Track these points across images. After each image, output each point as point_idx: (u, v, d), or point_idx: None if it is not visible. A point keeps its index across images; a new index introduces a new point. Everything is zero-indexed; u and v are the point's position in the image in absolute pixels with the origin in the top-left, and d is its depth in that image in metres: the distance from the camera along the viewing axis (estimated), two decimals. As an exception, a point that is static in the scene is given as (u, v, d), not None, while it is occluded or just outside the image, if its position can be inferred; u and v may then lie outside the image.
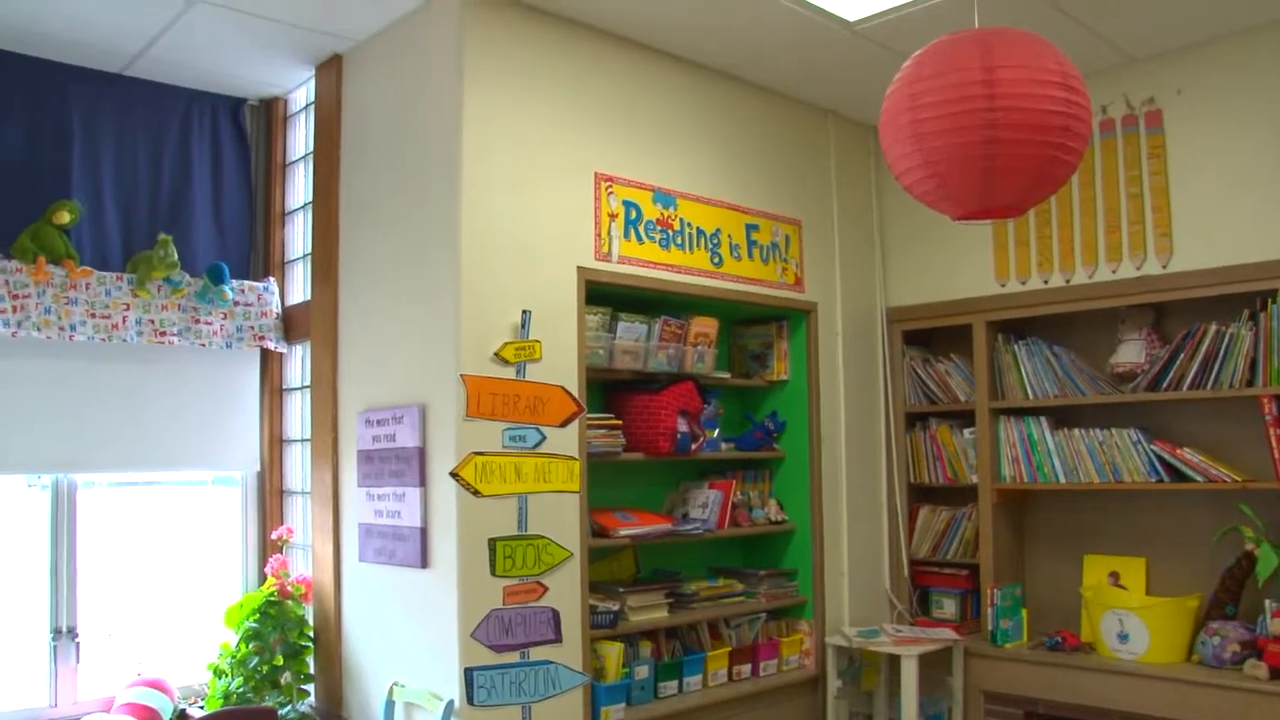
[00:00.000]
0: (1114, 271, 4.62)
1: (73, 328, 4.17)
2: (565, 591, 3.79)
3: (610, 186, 4.17)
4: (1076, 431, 4.70)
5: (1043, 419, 4.83)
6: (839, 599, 4.99)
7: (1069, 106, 2.54)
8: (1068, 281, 4.76)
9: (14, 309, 4.03)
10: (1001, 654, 4.72)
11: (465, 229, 3.71)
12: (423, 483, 3.80)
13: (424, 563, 3.78)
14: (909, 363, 5.31)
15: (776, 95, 4.93)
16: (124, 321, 4.29)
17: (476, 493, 3.29)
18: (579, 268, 4.02)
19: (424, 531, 3.79)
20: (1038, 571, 5.08)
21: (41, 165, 4.30)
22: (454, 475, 3.28)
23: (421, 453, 3.80)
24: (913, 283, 5.32)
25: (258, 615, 4.33)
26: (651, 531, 4.35)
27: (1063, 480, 4.74)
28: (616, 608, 4.14)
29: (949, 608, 5.13)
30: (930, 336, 5.39)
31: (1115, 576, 4.74)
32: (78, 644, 4.31)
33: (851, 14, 4.09)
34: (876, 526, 5.24)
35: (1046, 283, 4.82)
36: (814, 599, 4.89)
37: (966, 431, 5.07)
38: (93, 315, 4.22)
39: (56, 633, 4.29)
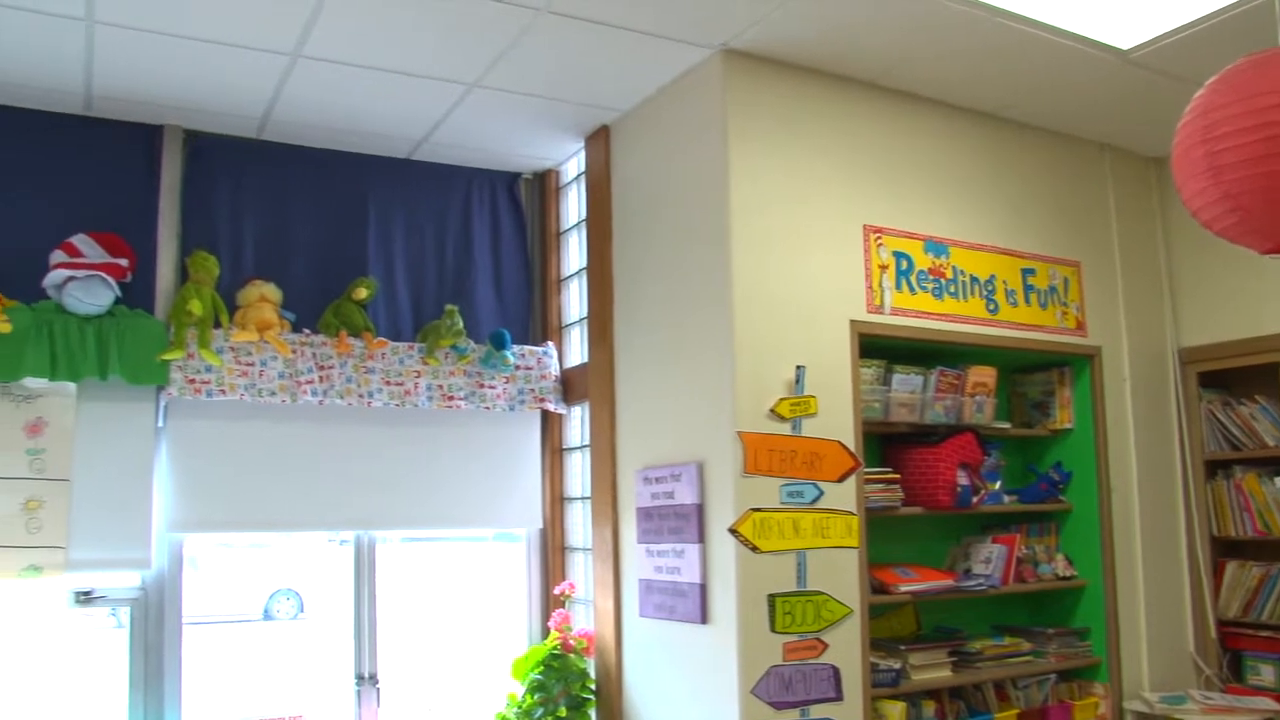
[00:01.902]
0: None
1: (370, 394, 4.48)
2: (845, 648, 3.73)
3: (879, 238, 4.13)
4: None
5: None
6: (1137, 661, 4.68)
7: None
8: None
9: (320, 379, 4.38)
10: (1330, 724, 4.30)
11: (737, 287, 3.77)
12: (701, 539, 3.84)
13: (704, 618, 3.81)
14: (1206, 406, 4.96)
15: (1046, 133, 4.77)
16: (415, 388, 4.57)
17: (755, 549, 3.29)
18: (851, 321, 4.00)
19: (703, 587, 3.82)
20: (1368, 633, 4.62)
21: (342, 247, 4.70)
22: (733, 531, 3.30)
23: (700, 509, 3.85)
24: (1208, 321, 4.97)
25: (542, 668, 4.47)
26: (933, 588, 4.23)
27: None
28: (898, 666, 4.04)
29: (1266, 674, 4.71)
30: (1229, 377, 5.01)
31: None
32: (378, 689, 4.57)
33: (1125, 42, 3.91)
34: (1176, 583, 4.90)
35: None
36: (1108, 660, 4.61)
37: (1279, 479, 4.68)
38: (388, 383, 4.52)
39: (360, 678, 4.57)
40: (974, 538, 4.73)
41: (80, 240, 4.17)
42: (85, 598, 4.19)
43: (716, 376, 3.81)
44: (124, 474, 4.19)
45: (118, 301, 4.14)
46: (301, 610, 12.91)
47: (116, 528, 4.15)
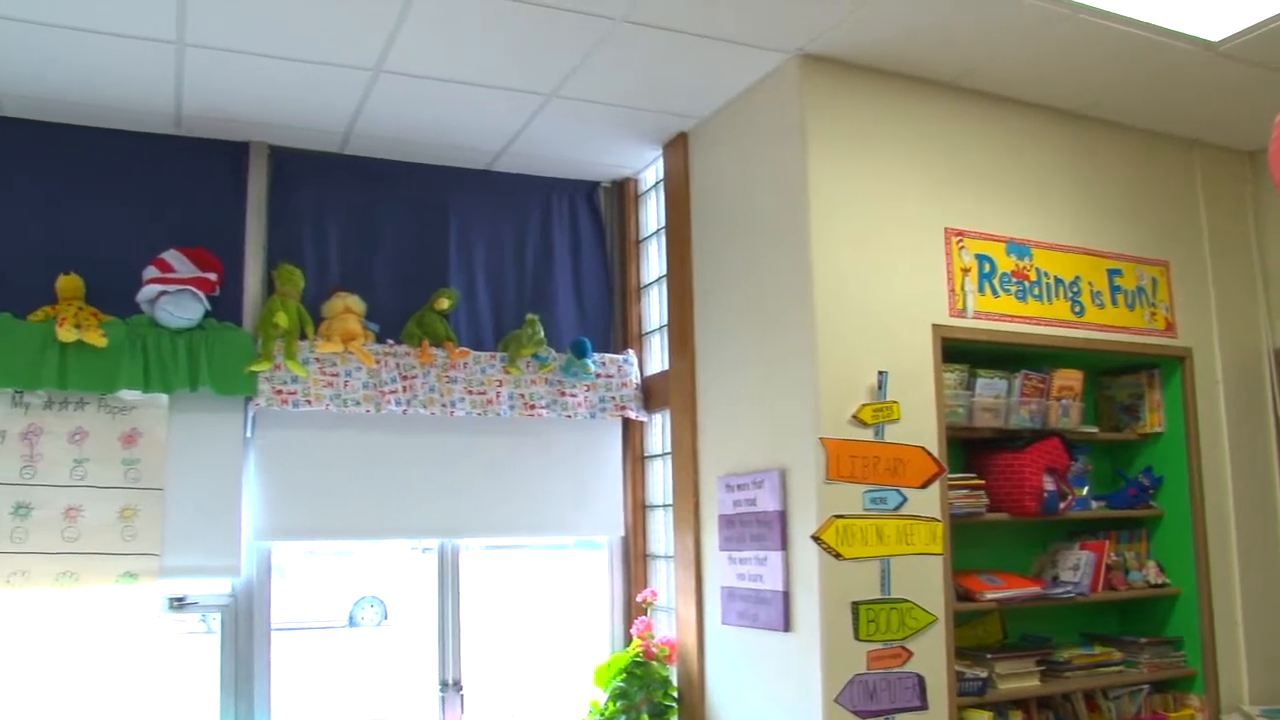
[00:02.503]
0: None
1: (453, 404, 4.53)
2: (930, 657, 3.68)
3: (961, 241, 4.08)
4: None
5: None
6: (1235, 672, 4.55)
7: None
8: None
9: (403, 389, 4.44)
10: None
11: (818, 293, 3.75)
12: (784, 546, 3.82)
13: (786, 626, 3.79)
14: (1304, 408, 4.83)
15: (1131, 130, 4.67)
16: (498, 397, 4.61)
17: (838, 556, 3.27)
18: (934, 325, 3.96)
19: (786, 595, 3.80)
20: None
21: (424, 258, 4.77)
22: (815, 539, 3.28)
23: (782, 516, 3.83)
24: (1308, 319, 4.84)
25: (624, 675, 4.47)
26: (1020, 595, 4.16)
27: None
28: (984, 675, 3.98)
29: (1370, 683, 4.57)
30: (1328, 379, 4.87)
31: None
32: (462, 696, 4.62)
33: (1215, 34, 3.82)
34: (1276, 590, 4.76)
35: None
36: (1204, 671, 4.49)
37: (1379, 483, 4.54)
38: (470, 392, 4.57)
39: (444, 685, 4.62)
40: (1061, 544, 4.64)
41: (171, 256, 4.28)
42: (178, 604, 4.30)
43: (798, 382, 3.80)
44: (214, 483, 4.29)
45: (207, 315, 4.24)
46: (385, 617, 13.08)
47: (207, 535, 4.25)
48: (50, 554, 4.04)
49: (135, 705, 4.06)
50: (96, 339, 4.02)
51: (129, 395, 4.16)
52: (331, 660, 10.88)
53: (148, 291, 4.17)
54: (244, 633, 4.35)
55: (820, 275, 3.77)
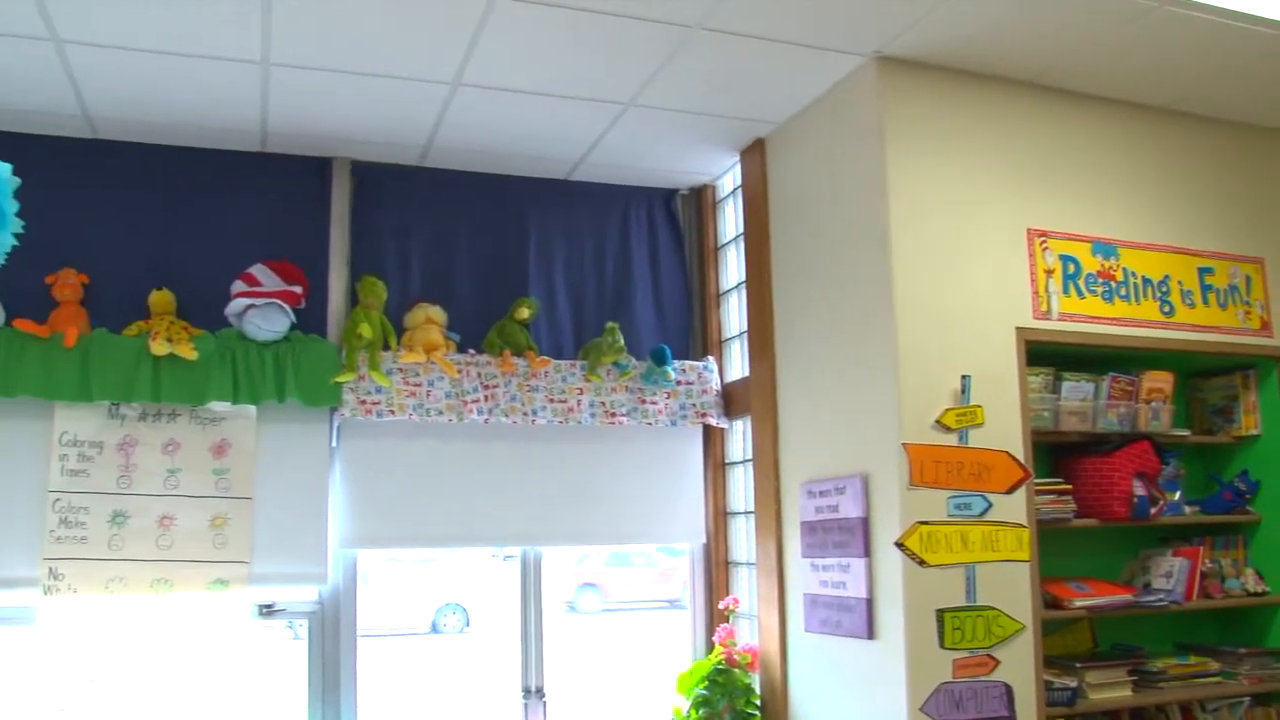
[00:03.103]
0: None
1: (534, 412, 4.56)
2: (1018, 666, 3.62)
3: (1045, 241, 4.02)
4: None
5: None
6: (1340, 682, 4.41)
7: None
8: None
9: (485, 398, 4.49)
10: None
11: (899, 296, 3.72)
12: (867, 553, 3.79)
13: (870, 633, 3.75)
14: None
15: (1222, 123, 4.55)
16: (578, 405, 4.63)
17: (922, 563, 3.24)
18: (1018, 328, 3.89)
19: (869, 602, 3.76)
20: None
21: (504, 268, 4.83)
22: (899, 545, 3.25)
23: (865, 523, 3.80)
24: None
25: (707, 682, 4.47)
26: (1110, 603, 4.07)
27: None
28: (1074, 684, 3.90)
29: None
30: None
31: None
32: (545, 703, 4.64)
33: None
34: (1381, 598, 4.60)
35: None
36: (1308, 682, 4.36)
37: None
38: (551, 400, 4.60)
39: (527, 691, 4.65)
40: (1153, 551, 4.53)
41: (258, 270, 4.38)
42: (267, 610, 4.38)
43: (880, 388, 3.76)
44: (301, 492, 4.37)
45: (293, 327, 4.33)
46: (468, 624, 13.20)
47: (295, 543, 4.33)
48: (146, 561, 4.16)
49: (227, 709, 4.14)
50: (188, 352, 4.12)
51: (219, 406, 4.27)
52: (415, 667, 11.00)
53: (236, 305, 4.27)
54: (330, 639, 4.42)
55: (901, 279, 3.74)
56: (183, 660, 4.13)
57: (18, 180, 2.53)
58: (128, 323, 4.22)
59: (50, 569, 4.04)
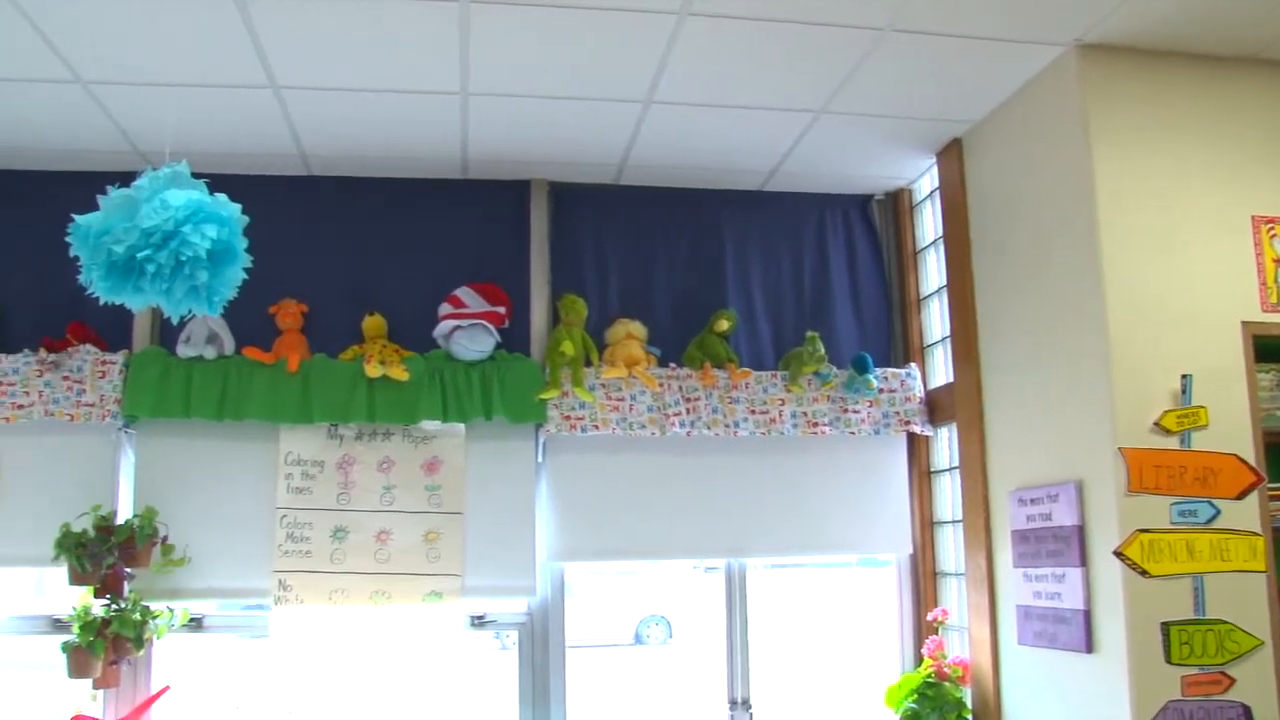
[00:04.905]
0: None
1: (736, 424, 4.57)
2: (1257, 684, 3.38)
3: (1272, 229, 3.78)
4: None
5: None
6: None
7: None
8: None
9: (687, 411, 4.53)
10: None
11: (1110, 294, 3.56)
12: (1083, 563, 3.63)
13: (1089, 647, 3.60)
14: None
15: None
16: (780, 416, 4.61)
17: (1144, 573, 3.11)
18: (1243, 322, 3.66)
19: (1087, 614, 3.61)
20: None
21: (701, 281, 4.86)
22: (1118, 554, 3.13)
23: (1080, 531, 3.65)
24: None
25: (916, 696, 4.37)
26: (1359, 615, 3.80)
27: None
28: (1322, 703, 3.65)
29: None
30: None
31: None
32: (751, 715, 4.64)
33: None
34: None
35: None
36: None
37: None
38: (753, 412, 4.60)
39: (733, 703, 4.65)
40: (1406, 559, 4.21)
41: (463, 292, 4.55)
42: (478, 622, 4.52)
43: (1093, 390, 3.61)
44: (509, 507, 4.51)
45: (498, 346, 4.48)
46: (671, 635, 13.31)
47: (505, 557, 4.46)
48: (365, 574, 4.36)
49: (443, 716, 4.30)
50: (399, 374, 4.31)
51: (429, 425, 4.45)
52: (620, 678, 11.14)
53: (443, 327, 4.45)
54: (540, 650, 4.53)
55: (1112, 275, 3.58)
56: (400, 668, 4.31)
57: (246, 219, 2.71)
58: (344, 347, 4.46)
59: (280, 581, 4.30)
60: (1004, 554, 4.13)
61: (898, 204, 5.13)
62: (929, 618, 4.64)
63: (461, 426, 4.48)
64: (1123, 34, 3.66)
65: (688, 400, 4.54)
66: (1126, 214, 3.63)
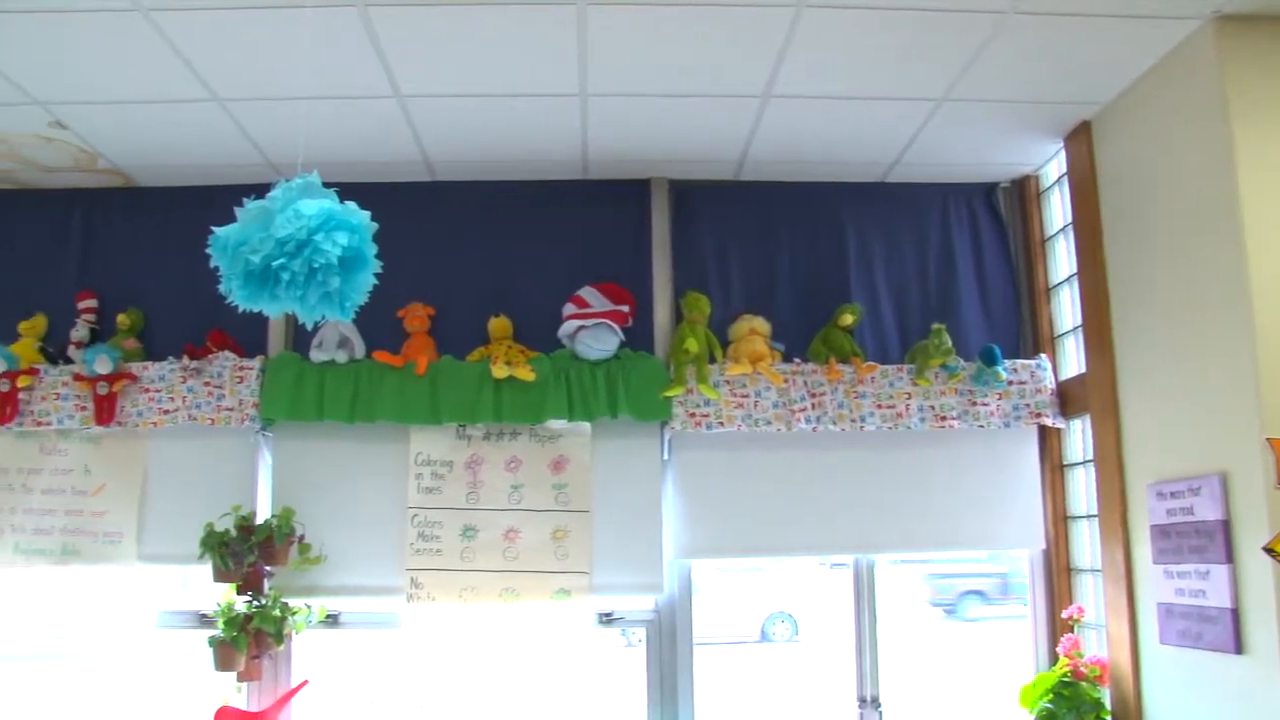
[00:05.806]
0: None
1: (863, 419, 4.52)
2: None
3: None
4: None
5: None
6: None
7: None
8: None
9: (813, 406, 4.50)
10: None
11: (1254, 278, 3.41)
12: (1229, 559, 3.50)
13: (1237, 648, 3.46)
14: None
15: None
16: (907, 410, 4.55)
17: (1298, 570, 2.97)
18: (1398, 304, 3.50)
19: (1235, 613, 3.48)
20: None
21: (824, 275, 4.82)
22: (1269, 551, 3.02)
23: (1225, 526, 3.51)
24: None
25: (1052, 696, 4.27)
26: None
27: None
28: None
29: None
30: None
31: None
32: (881, 712, 4.59)
33: None
34: None
35: None
36: None
37: None
38: (879, 406, 4.54)
39: (862, 701, 4.60)
40: None
41: (587, 292, 4.59)
42: (607, 619, 4.56)
43: (1237, 379, 3.47)
44: (636, 505, 4.53)
45: (622, 345, 4.52)
46: (797, 633, 13.23)
47: (632, 554, 4.50)
48: (494, 572, 4.44)
49: (572, 712, 4.35)
50: (525, 374, 4.38)
51: (556, 424, 4.51)
52: (747, 675, 11.12)
53: (567, 327, 4.51)
54: (668, 647, 4.55)
55: (1256, 259, 3.43)
56: (529, 665, 4.37)
57: (375, 225, 2.78)
58: (470, 349, 4.55)
59: (412, 578, 4.40)
60: (1142, 549, 4.00)
61: (1024, 191, 5.01)
62: (1064, 615, 4.52)
63: (587, 425, 4.53)
64: (1264, 2, 3.50)
65: (813, 395, 4.51)
66: (1271, 194, 3.48)
